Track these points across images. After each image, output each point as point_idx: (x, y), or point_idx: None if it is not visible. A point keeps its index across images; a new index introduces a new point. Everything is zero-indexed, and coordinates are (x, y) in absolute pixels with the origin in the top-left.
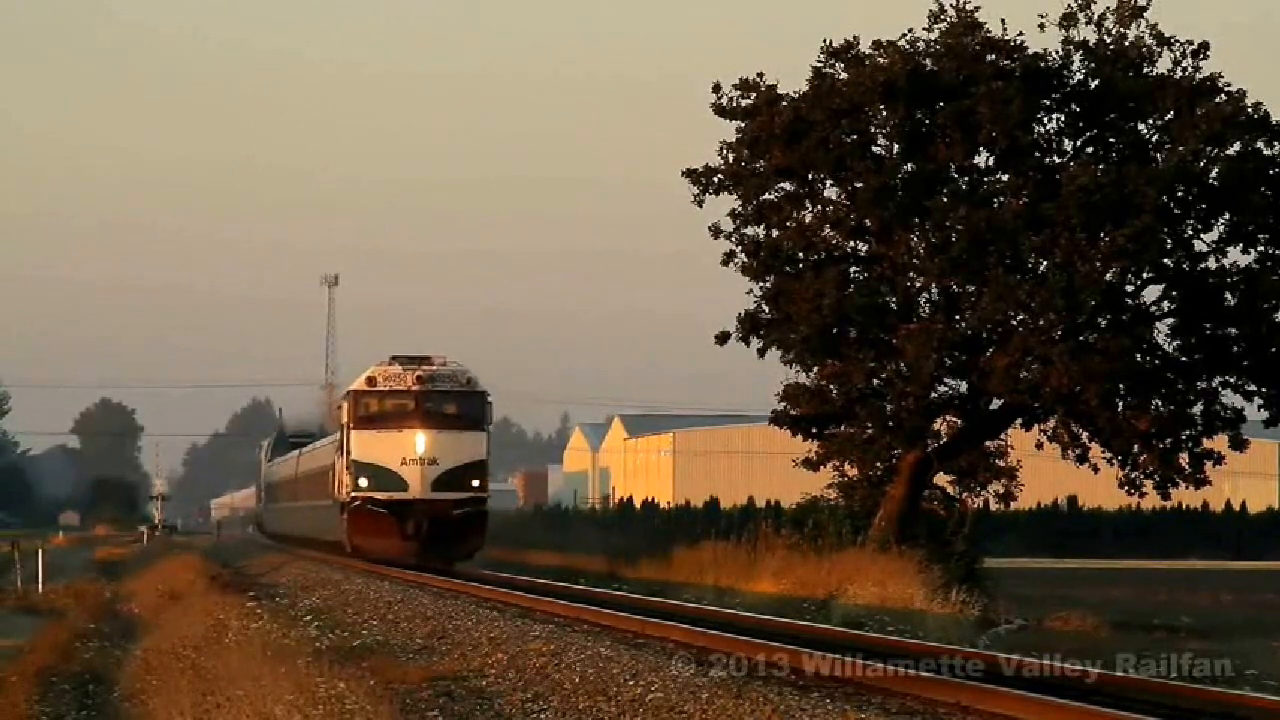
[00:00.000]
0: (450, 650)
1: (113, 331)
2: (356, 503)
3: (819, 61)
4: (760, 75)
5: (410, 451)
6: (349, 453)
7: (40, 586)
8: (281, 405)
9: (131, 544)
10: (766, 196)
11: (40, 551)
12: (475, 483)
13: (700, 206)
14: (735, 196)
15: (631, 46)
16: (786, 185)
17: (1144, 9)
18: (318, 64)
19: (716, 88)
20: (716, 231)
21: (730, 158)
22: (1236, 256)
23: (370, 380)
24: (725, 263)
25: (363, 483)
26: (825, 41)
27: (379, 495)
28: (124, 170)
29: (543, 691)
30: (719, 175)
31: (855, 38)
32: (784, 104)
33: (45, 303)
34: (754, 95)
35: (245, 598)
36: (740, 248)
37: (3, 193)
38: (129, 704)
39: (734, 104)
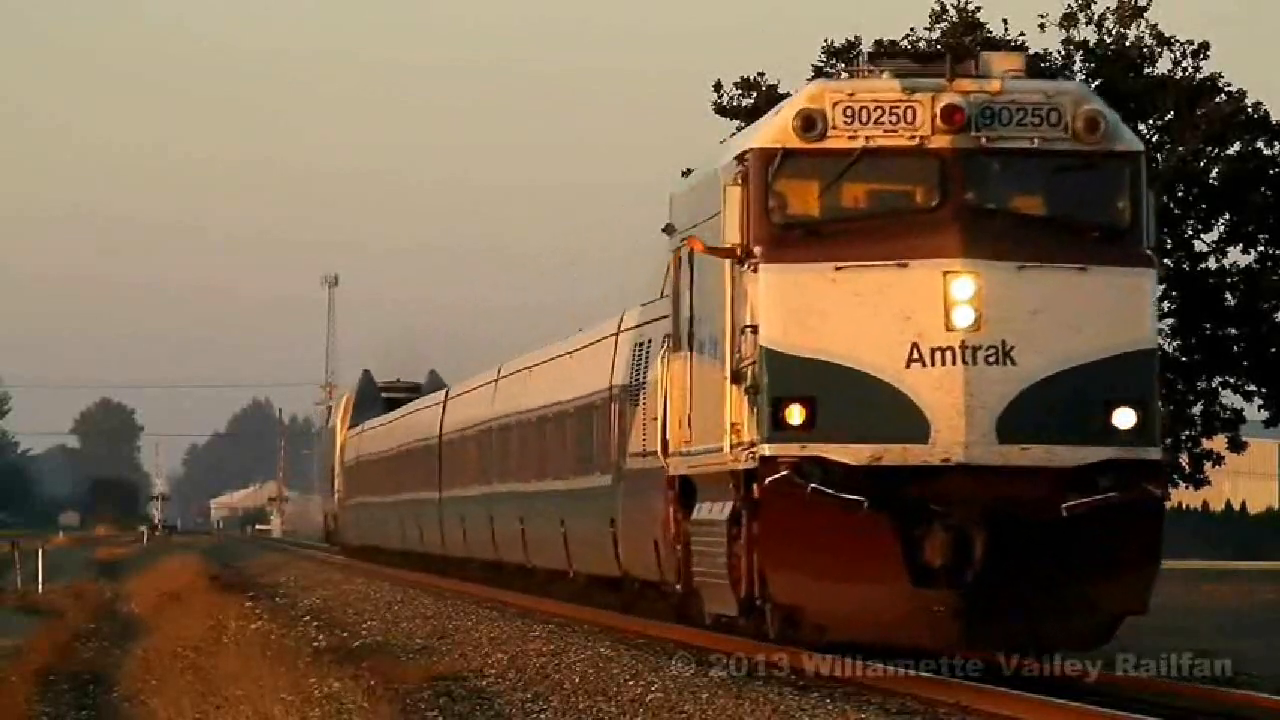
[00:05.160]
0: (450, 650)
1: (113, 331)
2: (779, 475)
3: (820, 61)
4: (761, 75)
5: (934, 328)
6: (741, 329)
7: (40, 586)
8: (281, 405)
9: (131, 544)
10: None
11: (40, 551)
12: (1126, 417)
13: None
14: None
15: (632, 46)
16: None
17: (1144, 9)
18: (319, 63)
19: (717, 87)
20: None
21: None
22: (1236, 256)
23: (807, 121)
24: None
25: (792, 416)
26: (826, 41)
27: (840, 456)
28: (124, 169)
29: (543, 691)
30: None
31: (857, 37)
32: None
33: (45, 303)
34: (755, 95)
35: (245, 598)
36: None
37: (2, 191)
38: (129, 704)
39: (734, 103)
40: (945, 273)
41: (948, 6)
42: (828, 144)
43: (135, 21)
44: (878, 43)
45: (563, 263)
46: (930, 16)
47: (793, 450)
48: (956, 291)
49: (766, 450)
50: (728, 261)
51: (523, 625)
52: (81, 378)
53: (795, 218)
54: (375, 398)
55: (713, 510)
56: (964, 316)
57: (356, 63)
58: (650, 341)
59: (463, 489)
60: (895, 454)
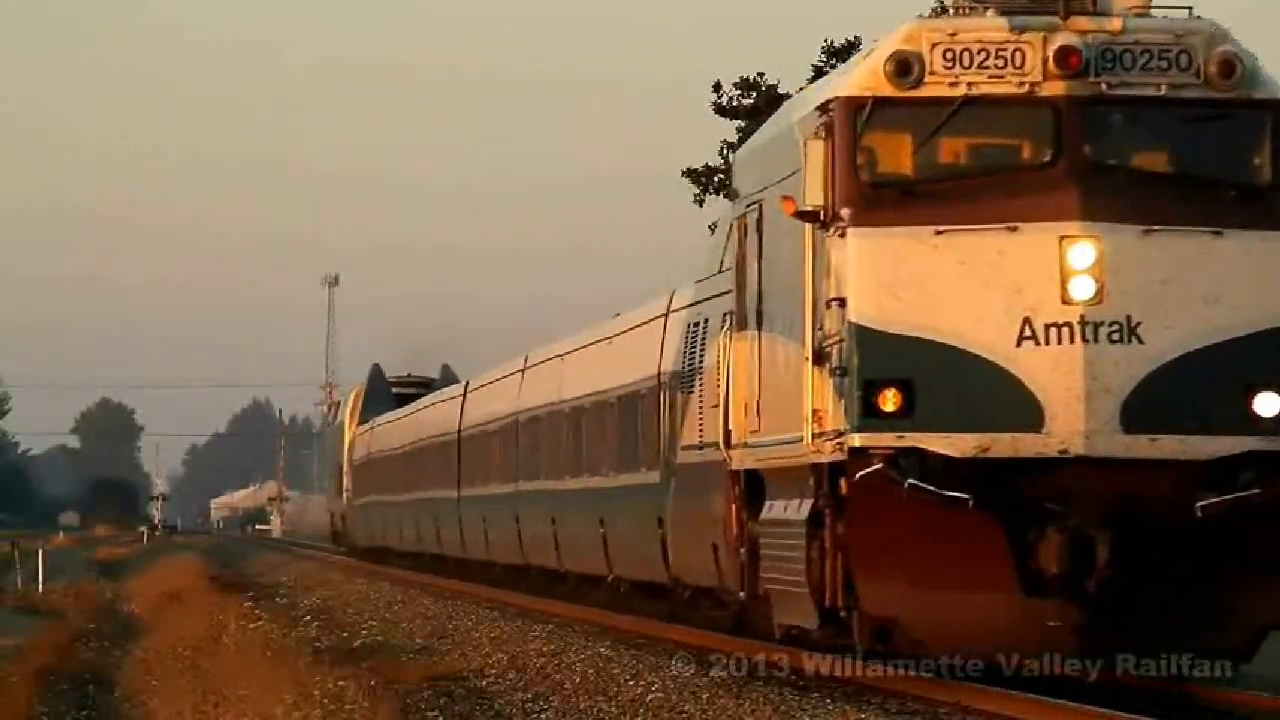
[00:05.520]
0: (450, 650)
1: (113, 331)
2: (871, 468)
3: (820, 60)
4: (761, 75)
5: (1048, 301)
6: (826, 303)
7: (40, 586)
8: (281, 405)
9: (131, 544)
10: None
11: (40, 551)
12: (1270, 403)
13: (701, 206)
14: None
15: (632, 46)
16: None
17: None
18: (319, 63)
19: (717, 87)
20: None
21: (730, 157)
22: None
23: (901, 64)
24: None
25: (886, 402)
26: (826, 41)
27: (941, 447)
28: (124, 168)
29: (543, 691)
30: (720, 175)
31: (856, 37)
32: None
33: (45, 302)
34: (754, 95)
35: (245, 598)
36: None
37: (2, 191)
38: (129, 704)
39: (734, 104)
40: (1061, 238)
41: (948, 6)
42: (925, 91)
43: (136, 21)
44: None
45: (565, 260)
46: (931, 15)
47: (887, 440)
48: (1074, 259)
49: (856, 440)
50: (808, 227)
51: (523, 625)
52: (81, 378)
53: (887, 176)
54: (386, 393)
55: (788, 509)
56: (1083, 288)
57: (357, 63)
58: (706, 322)
59: (485, 487)
60: (1004, 445)
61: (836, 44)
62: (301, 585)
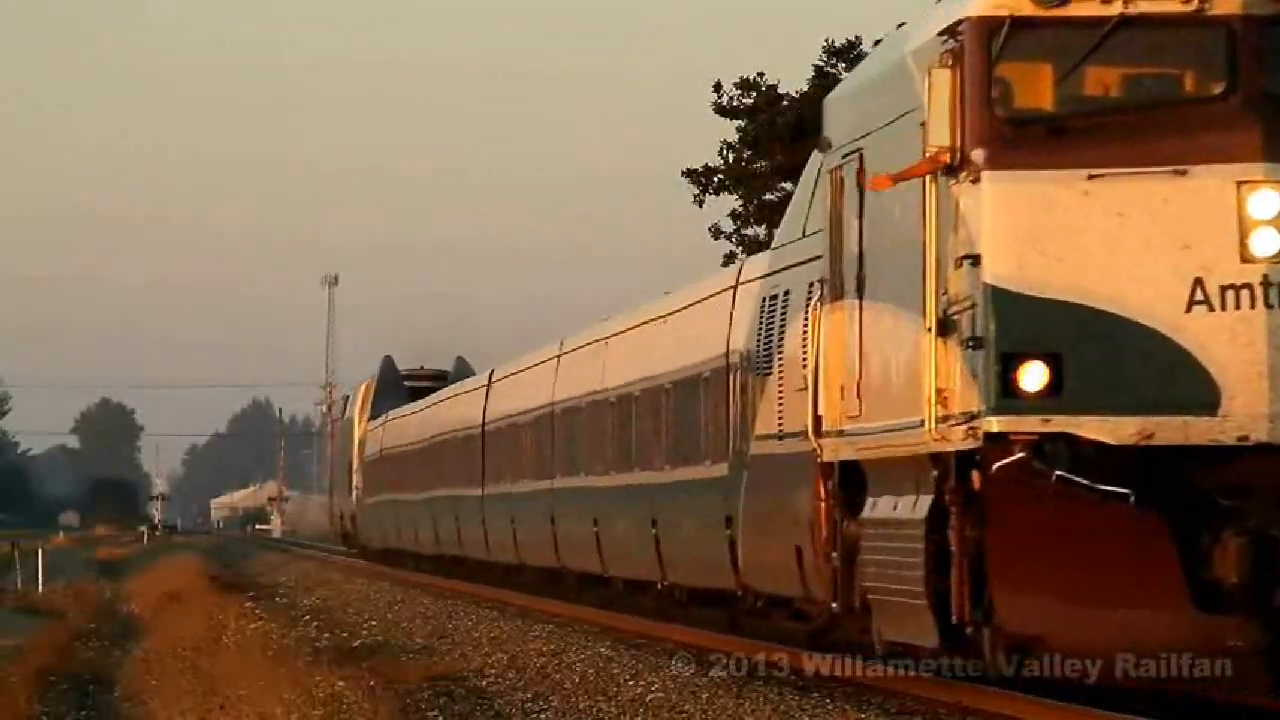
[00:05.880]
0: (450, 650)
1: (113, 331)
2: (1012, 458)
3: (820, 60)
4: (761, 75)
5: (1225, 259)
6: (956, 261)
7: (40, 586)
8: (281, 405)
9: (131, 544)
10: (768, 196)
11: (40, 551)
12: None
13: (701, 206)
14: (736, 196)
15: (632, 46)
16: (788, 185)
17: None
18: (319, 63)
19: (717, 87)
20: (717, 232)
21: (731, 158)
22: None
23: None
24: (726, 265)
25: (1027, 380)
26: (827, 40)
27: (1096, 433)
28: (124, 168)
29: (543, 691)
30: (719, 175)
31: (857, 37)
32: (785, 103)
33: (45, 303)
34: (755, 95)
35: (245, 598)
36: (741, 248)
37: (2, 191)
38: (129, 704)
39: (734, 104)
40: (1240, 183)
41: None
42: (1072, 10)
43: (136, 21)
44: (877, 42)
45: (565, 259)
46: None
47: (1031, 424)
48: (1256, 208)
49: (994, 425)
50: (954, 158)
51: (523, 625)
52: (81, 378)
53: (1026, 111)
54: (397, 387)
55: (899, 507)
56: (1267, 242)
57: (357, 63)
58: (786, 294)
59: (514, 484)
60: (1172, 430)
61: (837, 44)
62: (301, 585)
